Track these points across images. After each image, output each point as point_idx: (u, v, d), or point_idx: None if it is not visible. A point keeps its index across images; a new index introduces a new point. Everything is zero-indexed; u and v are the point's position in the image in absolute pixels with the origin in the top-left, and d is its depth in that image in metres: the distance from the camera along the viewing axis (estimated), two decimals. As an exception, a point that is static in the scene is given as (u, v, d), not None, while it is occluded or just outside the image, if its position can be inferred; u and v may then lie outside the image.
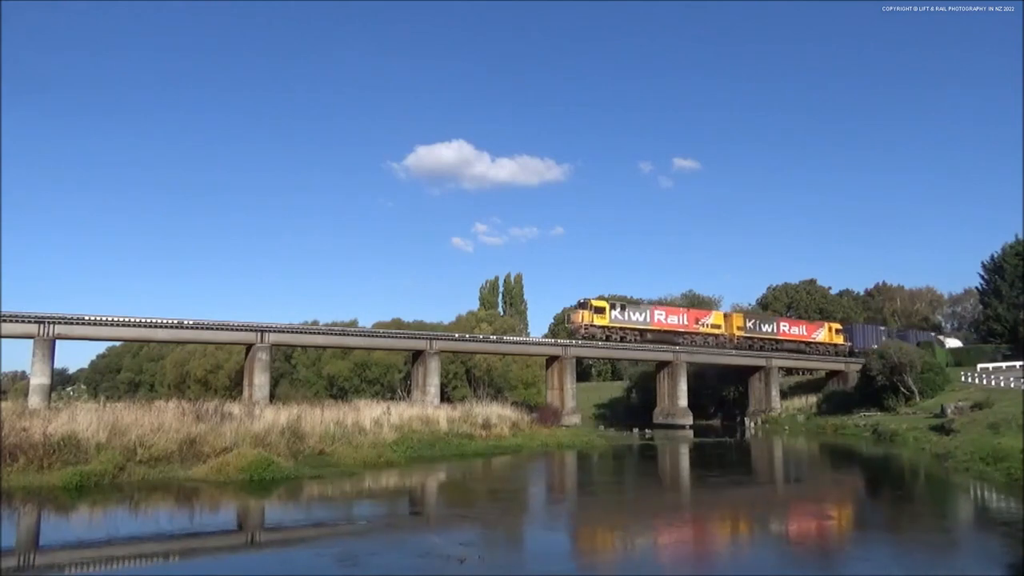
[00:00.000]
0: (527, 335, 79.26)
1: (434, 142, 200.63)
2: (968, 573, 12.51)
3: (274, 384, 56.26)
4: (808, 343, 68.01)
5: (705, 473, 29.97)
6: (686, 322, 61.53)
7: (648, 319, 58.81)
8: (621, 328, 57.10)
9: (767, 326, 66.51)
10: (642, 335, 58.20)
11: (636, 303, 60.42)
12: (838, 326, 71.09)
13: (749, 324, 64.72)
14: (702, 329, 61.89)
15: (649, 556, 13.73)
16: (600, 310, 56.38)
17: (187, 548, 13.69)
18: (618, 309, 58.03)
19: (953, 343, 73.81)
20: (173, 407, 26.03)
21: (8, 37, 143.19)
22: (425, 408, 36.04)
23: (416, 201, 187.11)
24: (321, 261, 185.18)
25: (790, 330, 67.94)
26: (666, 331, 59.50)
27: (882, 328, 75.31)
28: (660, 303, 63.41)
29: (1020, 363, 55.94)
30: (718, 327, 64.04)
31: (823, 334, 69.13)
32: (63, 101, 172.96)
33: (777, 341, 65.92)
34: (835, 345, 68.98)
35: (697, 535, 16.00)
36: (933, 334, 76.33)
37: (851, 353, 69.31)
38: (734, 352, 64.57)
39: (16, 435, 19.89)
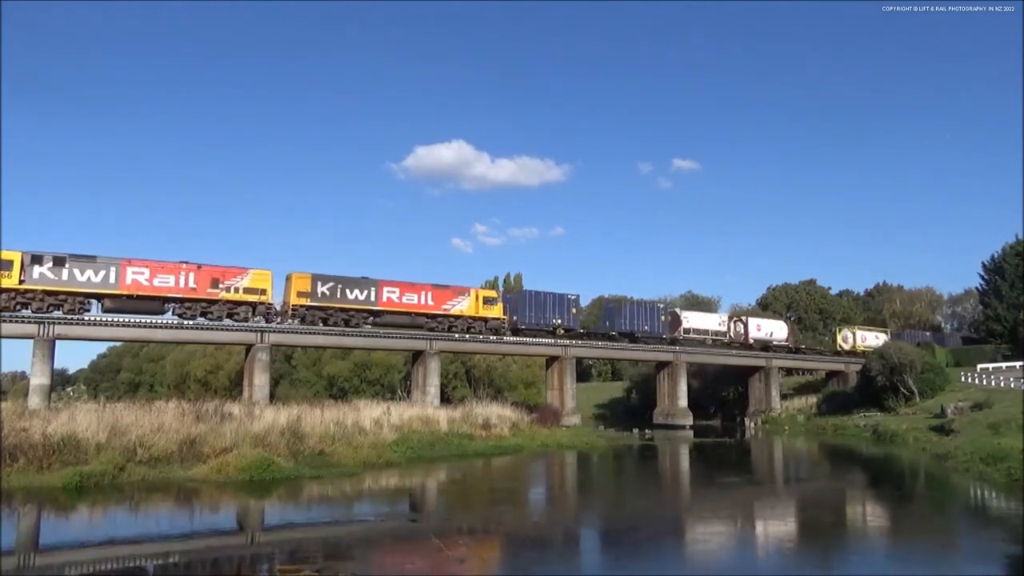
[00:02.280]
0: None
1: (434, 143, 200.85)
2: (968, 573, 12.51)
3: (274, 384, 56.23)
4: (433, 315, 48.44)
5: (705, 473, 29.98)
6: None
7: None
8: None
9: (356, 292, 45.91)
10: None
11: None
12: (490, 294, 52.54)
13: (322, 289, 44.91)
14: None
15: (649, 556, 13.72)
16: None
17: (187, 548, 13.68)
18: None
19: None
20: (173, 407, 26.03)
21: (8, 37, 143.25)
22: (425, 408, 36.04)
23: (416, 202, 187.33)
24: (321, 262, 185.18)
25: (400, 298, 47.31)
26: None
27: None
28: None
29: (1020, 363, 55.95)
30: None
31: (466, 304, 49.50)
32: (63, 101, 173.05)
33: (374, 313, 46.74)
34: (486, 320, 49.91)
35: (697, 535, 16.00)
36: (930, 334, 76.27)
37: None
38: (734, 352, 64.54)
39: (16, 435, 19.89)
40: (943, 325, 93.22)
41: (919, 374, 50.38)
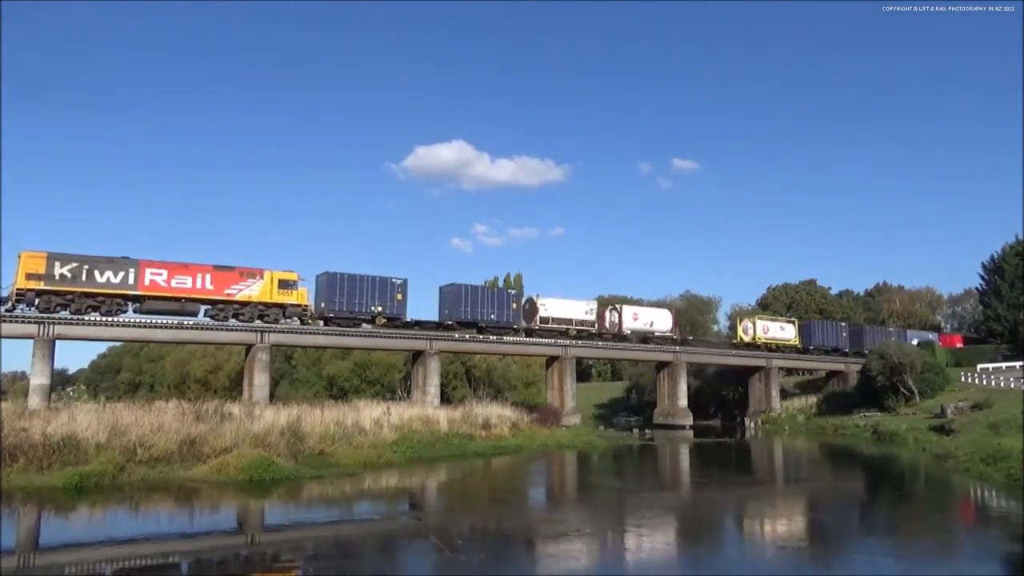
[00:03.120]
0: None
1: (433, 143, 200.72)
2: (968, 573, 12.51)
3: (274, 384, 56.24)
4: (212, 301, 41.64)
5: (705, 473, 29.97)
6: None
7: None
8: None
9: (110, 274, 38.57)
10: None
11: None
12: (288, 276, 43.46)
13: (61, 271, 37.37)
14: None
15: (650, 555, 13.72)
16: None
17: (187, 548, 13.68)
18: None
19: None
20: (173, 407, 26.05)
21: (8, 37, 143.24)
22: (425, 408, 36.05)
23: (415, 202, 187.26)
24: (320, 262, 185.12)
25: (169, 281, 40.23)
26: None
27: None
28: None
29: (1020, 363, 55.97)
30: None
31: (257, 288, 42.31)
32: (63, 101, 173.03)
33: (133, 298, 39.44)
34: (283, 306, 43.12)
35: (697, 535, 16.00)
36: (931, 335, 75.36)
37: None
38: (734, 352, 64.53)
39: (16, 435, 19.89)
40: (943, 325, 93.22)
41: (919, 374, 50.42)
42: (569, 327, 53.65)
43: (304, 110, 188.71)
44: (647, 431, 50.15)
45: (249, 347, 43.56)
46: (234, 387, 62.69)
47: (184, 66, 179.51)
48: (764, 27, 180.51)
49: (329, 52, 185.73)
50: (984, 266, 73.81)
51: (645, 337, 58.16)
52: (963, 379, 52.39)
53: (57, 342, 38.08)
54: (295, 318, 43.92)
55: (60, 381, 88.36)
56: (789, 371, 73.90)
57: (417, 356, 49.21)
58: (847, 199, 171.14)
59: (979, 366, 56.57)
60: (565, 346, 54.20)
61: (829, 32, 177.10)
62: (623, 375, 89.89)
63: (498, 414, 36.89)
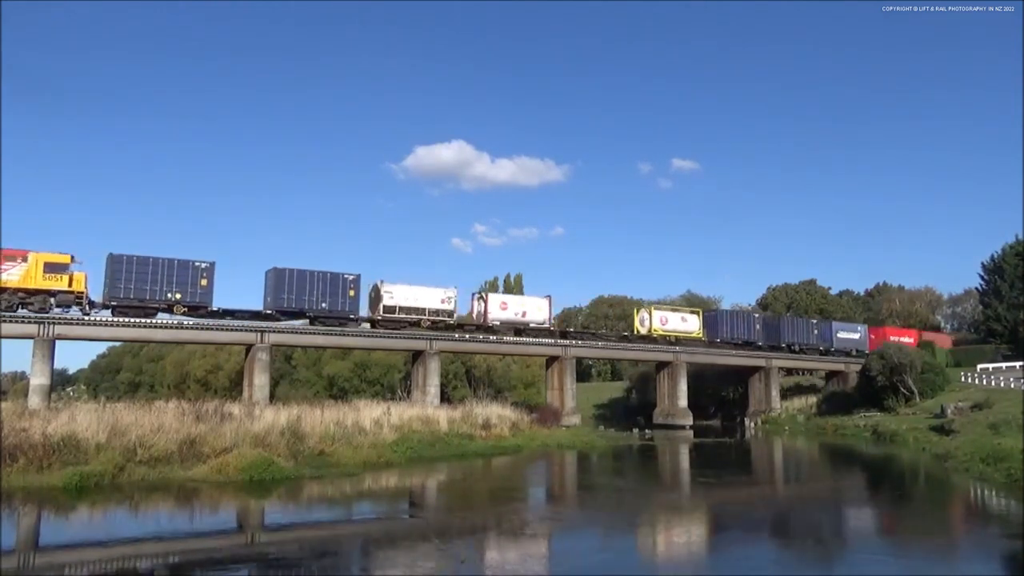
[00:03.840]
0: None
1: (433, 143, 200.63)
2: (968, 573, 12.52)
3: (274, 384, 56.21)
4: None
5: (705, 473, 29.97)
6: None
7: None
8: None
9: None
10: None
11: None
12: (58, 259, 37.57)
13: None
14: None
15: (650, 555, 13.73)
16: None
17: (187, 549, 13.69)
18: None
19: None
20: (173, 407, 26.04)
21: (8, 37, 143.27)
22: (425, 408, 36.05)
23: (415, 202, 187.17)
24: (320, 263, 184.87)
25: None
26: None
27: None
28: None
29: (1020, 363, 55.98)
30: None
31: (19, 272, 36.59)
32: (63, 101, 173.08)
33: None
34: (51, 293, 37.39)
35: (697, 535, 16.00)
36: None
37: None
38: (734, 352, 64.52)
39: (16, 435, 19.88)
40: (943, 325, 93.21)
41: (919, 374, 50.44)
42: (422, 317, 47.93)
43: (304, 110, 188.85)
44: (647, 431, 50.15)
45: (249, 347, 43.59)
46: (234, 387, 62.66)
47: (184, 66, 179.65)
48: (764, 27, 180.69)
49: (329, 52, 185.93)
50: (984, 266, 73.84)
51: (518, 329, 52.28)
52: (963, 379, 52.39)
53: (57, 342, 38.08)
54: (70, 307, 38.18)
55: (60, 381, 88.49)
56: (789, 371, 73.89)
57: (417, 356, 49.23)
58: (847, 199, 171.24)
59: (979, 366, 56.58)
60: (565, 346, 54.22)
61: (829, 32, 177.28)
62: (623, 375, 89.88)
63: (498, 414, 36.91)
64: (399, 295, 47.35)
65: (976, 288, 78.06)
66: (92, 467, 19.23)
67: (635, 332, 59.70)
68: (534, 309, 53.36)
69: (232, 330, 43.28)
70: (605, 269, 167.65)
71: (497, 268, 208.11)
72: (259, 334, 43.03)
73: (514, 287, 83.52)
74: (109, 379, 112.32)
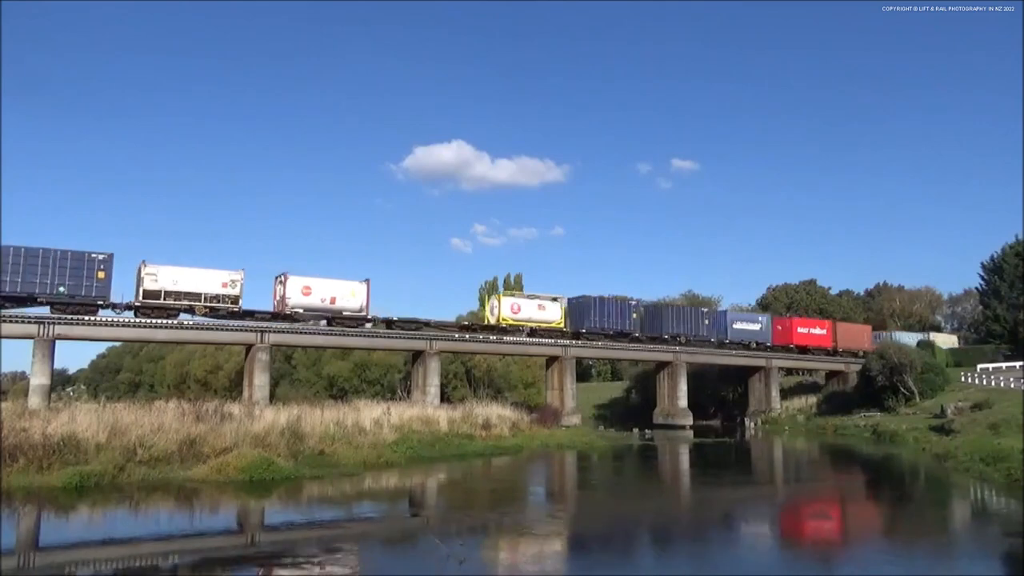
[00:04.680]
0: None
1: (433, 143, 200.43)
2: (968, 573, 12.52)
3: (274, 384, 56.22)
4: None
5: (705, 473, 29.97)
6: None
7: None
8: None
9: None
10: None
11: None
12: None
13: None
14: None
15: (650, 556, 13.73)
16: None
17: (187, 549, 13.69)
18: None
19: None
20: (173, 407, 26.05)
21: (8, 37, 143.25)
22: (425, 408, 36.07)
23: (415, 202, 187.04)
24: (319, 263, 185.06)
25: None
26: None
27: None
28: None
29: (1020, 363, 55.96)
30: None
31: None
32: (63, 101, 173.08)
33: None
34: None
35: (697, 535, 16.00)
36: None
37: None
38: (734, 352, 64.53)
39: (16, 435, 19.89)
40: (943, 325, 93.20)
41: (919, 374, 50.45)
42: (195, 303, 41.68)
43: (303, 110, 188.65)
44: (647, 431, 50.15)
45: (249, 347, 43.60)
46: (234, 387, 62.69)
47: (183, 66, 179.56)
48: (764, 27, 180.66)
49: (329, 52, 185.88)
50: (984, 266, 73.83)
51: (326, 317, 46.38)
52: (963, 379, 52.39)
53: (57, 342, 38.09)
54: None
55: (60, 381, 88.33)
56: (789, 371, 73.89)
57: (417, 356, 49.26)
58: (847, 199, 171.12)
59: (979, 366, 56.57)
60: (565, 346, 54.22)
61: (829, 32, 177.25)
62: (623, 375, 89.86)
63: (498, 414, 36.92)
64: (165, 278, 41.16)
65: (976, 288, 78.06)
66: (92, 467, 19.24)
67: (484, 322, 54.06)
68: (346, 295, 46.41)
69: (232, 330, 43.30)
70: (605, 269, 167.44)
71: (497, 268, 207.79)
72: (259, 334, 43.05)
73: (514, 287, 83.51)
74: (109, 379, 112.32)
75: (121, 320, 39.44)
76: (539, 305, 54.21)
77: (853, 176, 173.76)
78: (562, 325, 54.69)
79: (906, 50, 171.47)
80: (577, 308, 55.85)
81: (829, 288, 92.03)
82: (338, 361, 70.92)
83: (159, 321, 40.99)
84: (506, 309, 52.28)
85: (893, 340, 69.69)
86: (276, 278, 45.45)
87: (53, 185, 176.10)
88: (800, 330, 67.09)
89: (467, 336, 50.57)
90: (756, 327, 65.28)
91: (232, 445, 22.17)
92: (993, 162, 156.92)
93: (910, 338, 69.86)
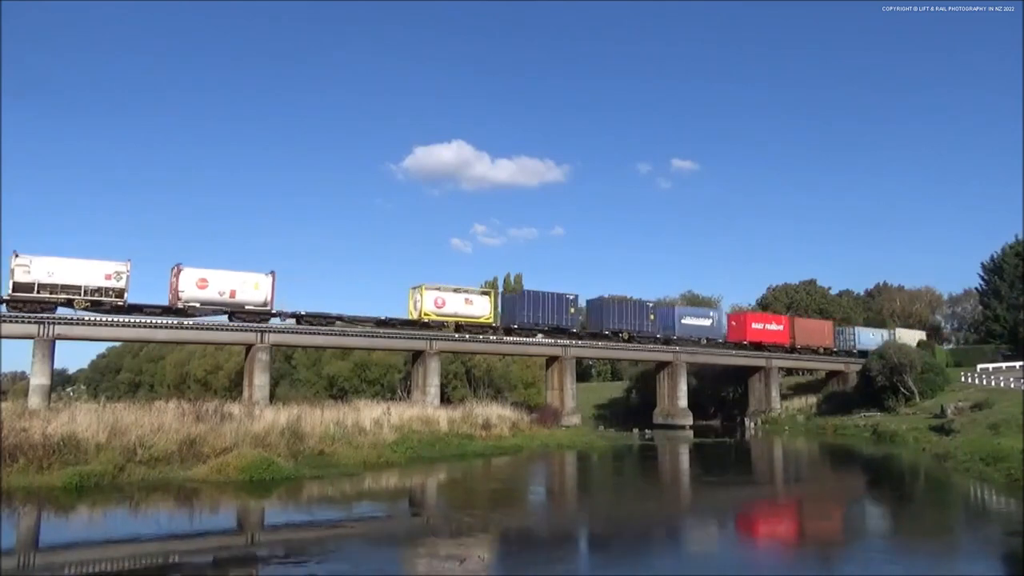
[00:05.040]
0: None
1: (433, 143, 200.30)
2: (968, 573, 12.52)
3: (274, 384, 56.21)
4: None
5: (705, 474, 29.98)
6: None
7: None
8: None
9: None
10: None
11: None
12: None
13: None
14: None
15: (650, 556, 13.72)
16: None
17: (187, 549, 13.69)
18: None
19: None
20: (173, 407, 26.05)
21: (8, 37, 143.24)
22: (425, 408, 36.07)
23: (415, 202, 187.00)
24: (319, 263, 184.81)
25: None
26: None
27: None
28: None
29: (1020, 363, 55.98)
30: None
31: None
32: (63, 101, 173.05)
33: None
34: None
35: (697, 535, 16.00)
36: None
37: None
38: (734, 352, 64.52)
39: (16, 435, 19.89)
40: (943, 325, 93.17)
41: (919, 374, 50.46)
42: (75, 296, 38.95)
43: (303, 110, 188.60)
44: (647, 431, 50.16)
45: (249, 347, 43.58)
46: (234, 387, 62.68)
47: (183, 66, 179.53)
48: (764, 27, 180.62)
49: (328, 52, 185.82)
50: (984, 266, 73.83)
51: (225, 312, 43.15)
52: (963, 379, 52.40)
53: (57, 342, 38.09)
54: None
55: (60, 381, 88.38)
56: (789, 371, 73.88)
57: (417, 356, 49.25)
58: (847, 199, 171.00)
59: (979, 366, 56.59)
60: (565, 346, 54.21)
61: (829, 32, 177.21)
62: (623, 375, 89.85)
63: (498, 414, 36.92)
64: (39, 269, 38.54)
65: (976, 288, 78.06)
66: (92, 467, 19.24)
67: (409, 316, 49.83)
68: (248, 288, 43.09)
69: (232, 330, 43.28)
70: (605, 269, 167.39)
71: (497, 268, 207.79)
72: (259, 334, 43.03)
73: (514, 287, 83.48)
74: (109, 379, 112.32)
75: (121, 320, 39.42)
76: (466, 299, 51.04)
77: (853, 176, 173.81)
78: (492, 320, 51.47)
79: (906, 50, 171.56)
80: (510, 303, 53.29)
81: (829, 288, 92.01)
82: (338, 361, 70.93)
83: (159, 321, 41.00)
84: (429, 303, 49.02)
85: (852, 334, 69.06)
86: (172, 269, 41.94)
87: (53, 185, 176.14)
88: (755, 326, 64.62)
89: (467, 336, 50.56)
90: (707, 322, 62.62)
91: (232, 445, 22.18)
92: (993, 162, 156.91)
93: (875, 335, 69.30)
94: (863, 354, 65.22)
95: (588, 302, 57.77)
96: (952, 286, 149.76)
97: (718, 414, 70.49)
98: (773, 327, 65.07)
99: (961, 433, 32.61)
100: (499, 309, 52.70)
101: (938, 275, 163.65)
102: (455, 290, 51.13)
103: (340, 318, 47.36)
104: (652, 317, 58.74)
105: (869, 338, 68.60)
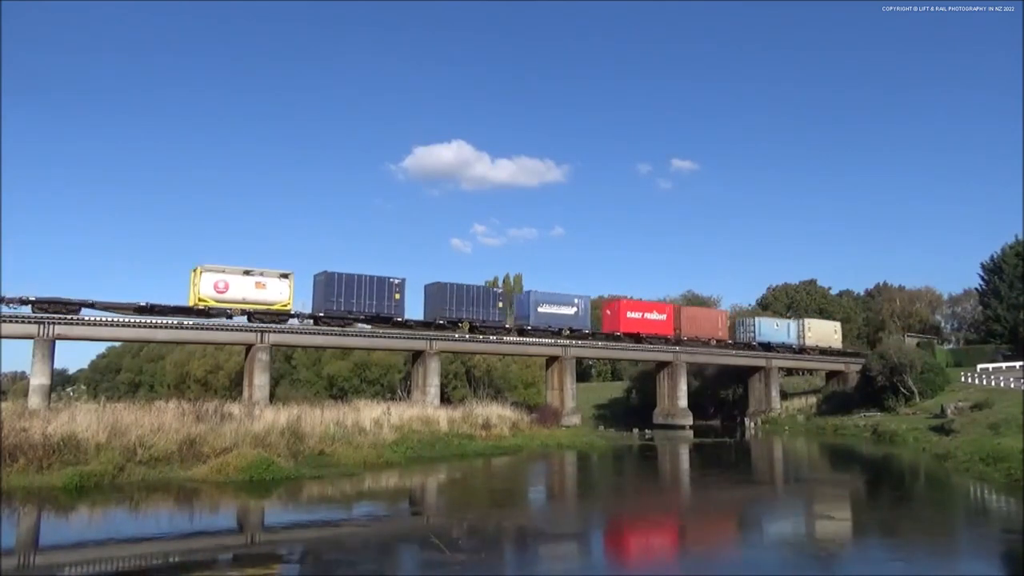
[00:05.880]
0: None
1: (433, 143, 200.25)
2: (968, 573, 12.52)
3: (274, 384, 56.23)
4: None
5: (705, 474, 29.98)
6: None
7: None
8: None
9: None
10: None
11: None
12: None
13: None
14: None
15: (650, 556, 13.72)
16: None
17: (187, 549, 13.69)
18: None
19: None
20: (173, 407, 26.06)
21: (8, 37, 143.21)
22: (425, 408, 36.07)
23: (415, 202, 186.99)
24: (319, 263, 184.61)
25: None
26: None
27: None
28: None
29: (1020, 363, 55.97)
30: None
31: None
32: (63, 101, 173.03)
33: None
34: None
35: (697, 535, 16.00)
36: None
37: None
38: (734, 352, 64.57)
39: (16, 435, 19.89)
40: (943, 325, 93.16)
41: (919, 374, 50.45)
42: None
43: (303, 110, 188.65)
44: (647, 431, 50.16)
45: (249, 347, 43.58)
46: (234, 387, 62.68)
47: (183, 66, 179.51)
48: (764, 27, 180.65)
49: (328, 52, 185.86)
50: (984, 266, 73.82)
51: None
52: (963, 379, 52.40)
53: (57, 342, 38.11)
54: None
55: (60, 381, 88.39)
56: (789, 371, 73.91)
57: (417, 356, 49.25)
58: (847, 199, 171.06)
59: (979, 366, 56.58)
60: (565, 346, 54.23)
61: (829, 32, 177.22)
62: (623, 375, 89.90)
63: (498, 414, 36.92)
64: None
65: (976, 288, 78.06)
66: (92, 467, 19.24)
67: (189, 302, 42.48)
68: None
69: (232, 330, 43.28)
70: (605, 269, 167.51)
71: (497, 269, 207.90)
72: (259, 334, 43.03)
73: (514, 287, 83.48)
74: (109, 379, 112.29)
75: (121, 320, 39.46)
76: (257, 283, 43.50)
77: (853, 176, 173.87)
78: (290, 307, 44.65)
79: (906, 50, 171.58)
80: (322, 286, 46.00)
81: (829, 288, 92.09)
82: (338, 361, 70.94)
83: (159, 321, 41.02)
84: (207, 287, 41.64)
85: (752, 325, 64.26)
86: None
87: (53, 185, 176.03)
88: (631, 315, 58.42)
89: (467, 336, 50.57)
90: (570, 311, 55.44)
91: (232, 445, 22.18)
92: (993, 162, 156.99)
93: (779, 326, 65.92)
94: (765, 347, 64.38)
95: (426, 287, 51.21)
96: (952, 286, 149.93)
97: (718, 414, 70.50)
98: (654, 316, 59.13)
99: (961, 433, 32.60)
100: (311, 295, 46.66)
101: (938, 275, 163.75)
102: (245, 272, 43.44)
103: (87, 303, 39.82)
104: (500, 305, 52.64)
105: (772, 330, 65.42)
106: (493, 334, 52.06)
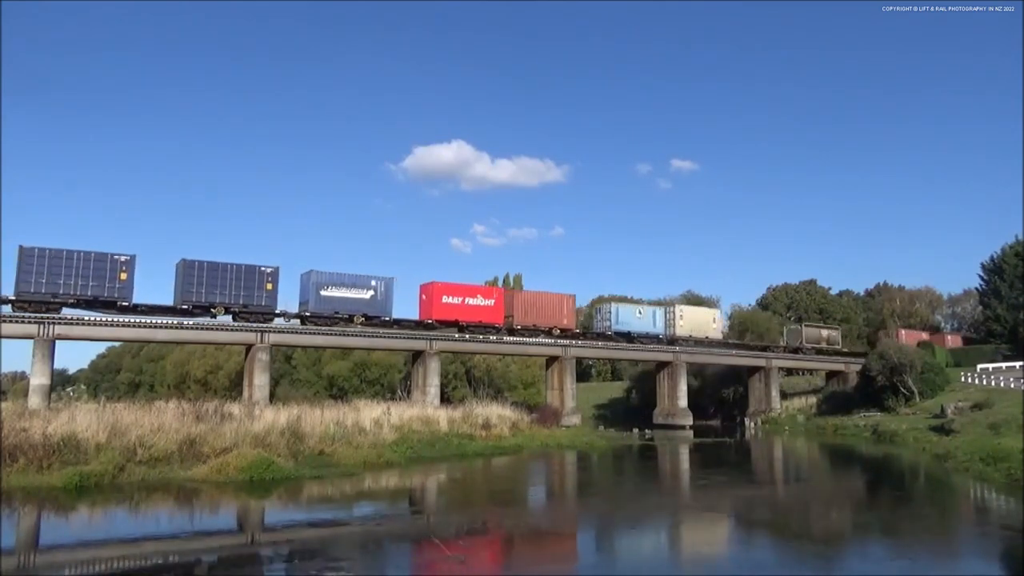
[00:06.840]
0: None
1: (432, 143, 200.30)
2: (968, 573, 12.52)
3: (274, 384, 56.23)
4: None
5: (705, 474, 29.97)
6: None
7: None
8: None
9: None
10: None
11: None
12: None
13: None
14: None
15: (650, 556, 13.72)
16: None
17: (187, 549, 13.68)
18: None
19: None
20: (173, 407, 26.05)
21: (8, 37, 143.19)
22: (425, 408, 36.07)
23: (415, 202, 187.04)
24: (319, 263, 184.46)
25: None
26: None
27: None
28: None
29: (1020, 363, 55.98)
30: None
31: None
32: (63, 101, 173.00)
33: None
34: None
35: (697, 535, 16.00)
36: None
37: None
38: (734, 352, 64.58)
39: (16, 435, 19.89)
40: (943, 325, 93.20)
41: (919, 374, 50.46)
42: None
43: (303, 111, 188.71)
44: (647, 431, 50.15)
45: (249, 347, 43.57)
46: (234, 387, 62.67)
47: (184, 66, 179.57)
48: (764, 27, 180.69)
49: (328, 52, 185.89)
50: (984, 266, 73.85)
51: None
52: (963, 379, 52.41)
53: (57, 342, 38.08)
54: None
55: (60, 381, 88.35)
56: (789, 371, 73.94)
57: (417, 356, 49.24)
58: (847, 199, 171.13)
59: (979, 366, 56.60)
60: (565, 346, 54.22)
61: (829, 32, 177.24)
62: (623, 375, 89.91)
63: (498, 414, 36.92)
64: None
65: (976, 288, 78.09)
66: (92, 467, 19.24)
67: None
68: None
69: (232, 330, 43.25)
70: (605, 269, 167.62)
71: (496, 268, 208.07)
72: (259, 334, 43.02)
73: (514, 288, 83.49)
74: (109, 379, 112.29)
75: (121, 320, 39.41)
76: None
77: (853, 176, 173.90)
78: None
79: (906, 50, 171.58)
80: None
81: (829, 288, 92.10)
82: (338, 361, 70.97)
83: (159, 321, 40.99)
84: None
85: (609, 312, 57.27)
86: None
87: (52, 185, 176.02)
88: (447, 300, 50.06)
89: (467, 336, 50.55)
90: (364, 295, 47.45)
91: (232, 445, 22.18)
92: (993, 162, 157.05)
93: (642, 313, 59.32)
94: (625, 336, 57.30)
95: (176, 266, 42.63)
96: (952, 286, 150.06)
97: (718, 414, 70.53)
98: (477, 302, 51.27)
99: (961, 433, 32.61)
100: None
101: (938, 275, 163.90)
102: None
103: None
104: (270, 286, 44.09)
105: (633, 318, 57.99)
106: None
